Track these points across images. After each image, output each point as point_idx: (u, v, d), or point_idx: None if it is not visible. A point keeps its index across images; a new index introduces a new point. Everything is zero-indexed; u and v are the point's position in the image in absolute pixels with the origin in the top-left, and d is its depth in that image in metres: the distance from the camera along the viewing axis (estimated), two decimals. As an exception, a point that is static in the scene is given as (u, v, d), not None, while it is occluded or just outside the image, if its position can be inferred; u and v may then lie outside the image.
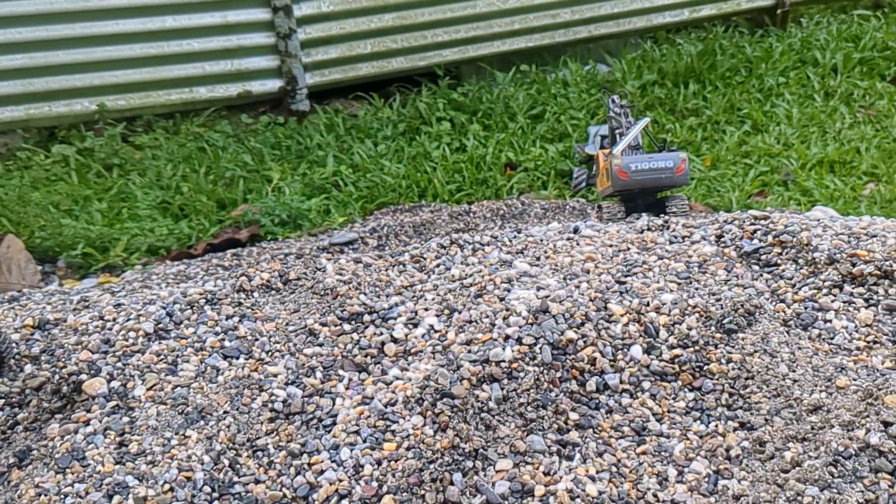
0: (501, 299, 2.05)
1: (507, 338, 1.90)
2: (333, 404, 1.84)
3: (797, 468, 1.63)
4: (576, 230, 2.40)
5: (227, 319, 2.08)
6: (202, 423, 1.81)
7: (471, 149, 4.30)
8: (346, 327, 2.04)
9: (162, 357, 1.95)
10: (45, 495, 1.66)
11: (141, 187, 4.29)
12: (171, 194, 4.26)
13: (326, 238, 3.69)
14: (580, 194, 4.02)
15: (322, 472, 1.70)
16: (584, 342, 1.91)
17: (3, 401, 1.99)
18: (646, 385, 1.90)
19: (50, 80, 4.48)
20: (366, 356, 1.97)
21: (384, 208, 4.12)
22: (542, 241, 2.37)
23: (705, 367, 1.91)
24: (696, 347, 1.93)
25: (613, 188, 2.92)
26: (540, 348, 1.88)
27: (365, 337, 2.01)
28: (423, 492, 1.67)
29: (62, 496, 1.66)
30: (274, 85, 4.68)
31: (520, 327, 1.93)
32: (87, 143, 4.57)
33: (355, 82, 4.78)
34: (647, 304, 2.01)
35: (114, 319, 2.13)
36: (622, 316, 1.98)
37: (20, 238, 3.91)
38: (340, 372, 1.93)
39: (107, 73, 4.53)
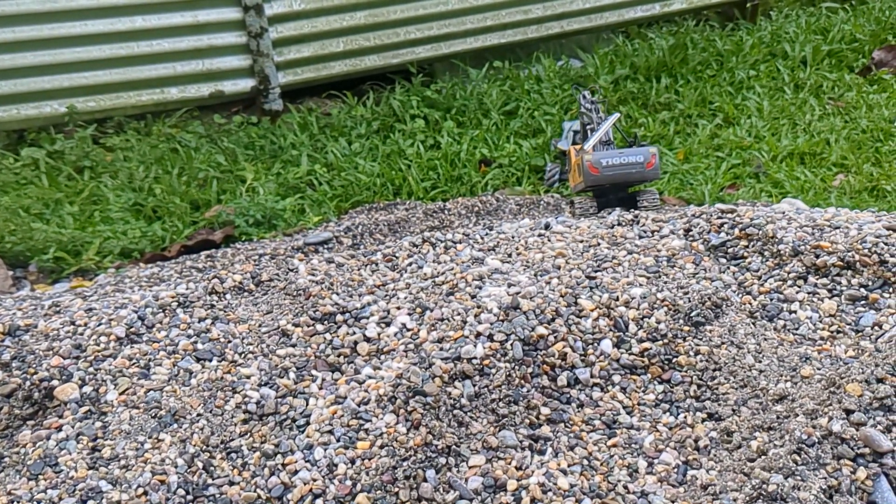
0: (473, 297, 2.07)
1: (478, 335, 1.92)
2: (307, 404, 1.85)
3: (763, 457, 1.67)
4: (547, 226, 2.42)
5: (199, 322, 2.07)
6: (175, 426, 1.81)
7: (445, 146, 4.31)
8: (319, 327, 2.05)
9: (134, 361, 1.95)
10: (18, 502, 1.66)
11: (113, 189, 4.25)
12: (143, 196, 4.22)
13: (301, 238, 3.68)
14: (554, 189, 4.05)
15: (296, 472, 1.71)
16: (555, 337, 1.93)
17: (-26, 408, 1.98)
18: (616, 378, 1.93)
19: (18, 83, 4.42)
20: (339, 356, 1.97)
21: (359, 207, 4.12)
22: (513, 237, 2.39)
23: (674, 360, 1.94)
24: (665, 340, 1.97)
25: (585, 183, 2.96)
26: (511, 344, 1.90)
27: (338, 337, 2.02)
28: (396, 489, 1.68)
29: (35, 502, 1.65)
30: (246, 84, 4.65)
31: (491, 324, 1.94)
32: (57, 145, 4.51)
33: (328, 81, 4.77)
34: (617, 299, 2.04)
35: (85, 324, 2.11)
36: (592, 311, 2.01)
37: (-9, 242, 3.86)
38: (314, 372, 1.94)
39: (76, 75, 4.48)
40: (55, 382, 1.91)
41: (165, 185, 4.23)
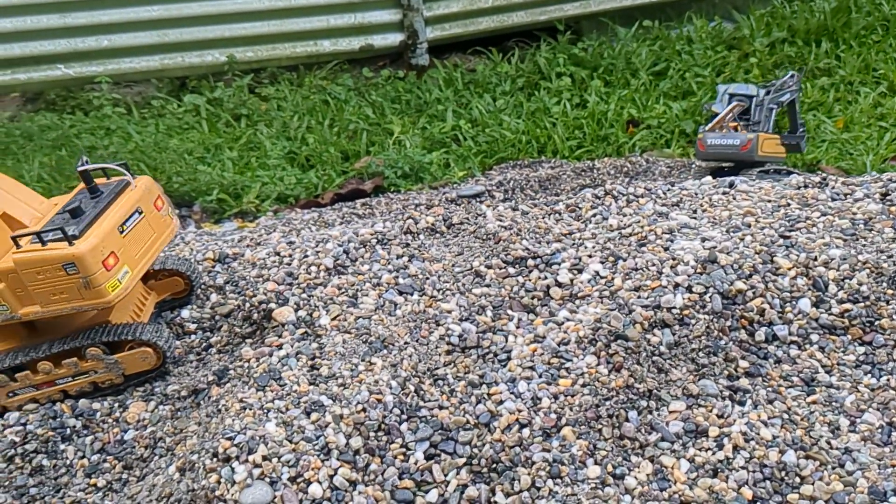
0: (665, 249, 2.09)
1: (676, 286, 1.94)
2: (506, 341, 1.94)
3: (982, 424, 1.63)
4: (731, 185, 2.40)
5: (397, 259, 2.19)
6: (385, 351, 1.93)
7: (592, 105, 4.29)
8: (511, 270, 2.12)
9: (343, 290, 2.08)
10: (250, 409, 1.82)
11: (268, 137, 4.46)
12: (297, 145, 4.42)
13: (453, 190, 3.77)
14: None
15: (501, 402, 1.79)
16: (753, 293, 1.94)
17: (196, 325, 2.17)
18: (814, 338, 1.91)
19: (183, 32, 4.67)
20: (532, 298, 2.04)
21: (503, 163, 4.17)
22: (696, 194, 2.38)
23: (876, 323, 1.91)
24: (867, 303, 1.93)
25: (696, 157, 3.40)
26: (710, 297, 1.92)
27: (530, 280, 2.09)
28: (600, 426, 1.75)
29: (265, 410, 1.81)
30: (395, 39, 4.75)
31: (688, 276, 1.96)
32: (216, 93, 4.77)
33: (474, 37, 4.80)
34: (815, 259, 2.01)
35: (290, 255, 2.27)
36: (790, 269, 1.99)
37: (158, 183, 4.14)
38: (509, 312, 2.02)
39: (236, 26, 4.69)
40: (272, 305, 2.06)
41: (318, 135, 4.41)
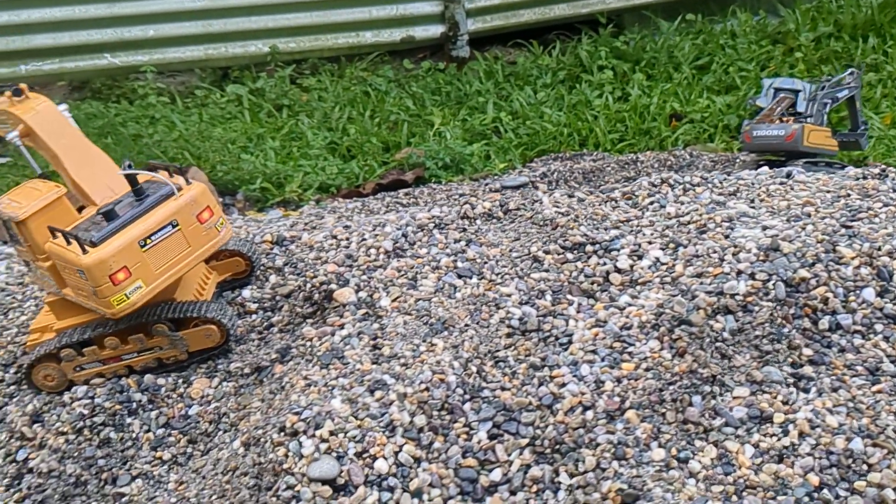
0: (726, 236, 2.09)
1: (739, 273, 1.94)
2: (567, 325, 1.94)
3: None
4: (788, 175, 2.39)
5: (454, 243, 2.20)
6: (446, 333, 1.95)
7: (634, 98, 4.27)
8: (569, 256, 2.13)
9: (402, 273, 2.10)
10: (314, 386, 1.85)
11: (310, 128, 4.49)
12: (338, 135, 4.44)
13: (496, 181, 3.78)
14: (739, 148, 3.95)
15: (564, 384, 1.80)
16: (817, 281, 1.93)
17: (257, 305, 2.21)
18: (878, 327, 1.90)
19: (227, 22, 4.72)
20: (592, 283, 2.05)
21: (544, 156, 4.17)
22: (753, 184, 2.37)
23: (942, 314, 1.89)
24: (934, 294, 1.91)
25: (743, 149, 3.43)
26: (773, 284, 1.91)
27: (589, 266, 2.09)
28: (664, 410, 1.75)
29: (329, 387, 1.84)
30: (436, 31, 4.76)
31: (751, 263, 1.96)
32: (258, 83, 4.81)
33: (515, 29, 4.80)
34: (879, 249, 2.00)
35: (347, 238, 2.29)
36: (853, 259, 1.98)
37: (202, 171, 4.19)
38: (569, 296, 2.03)
39: (279, 16, 4.73)
40: (333, 286, 2.09)
41: (359, 126, 4.43)
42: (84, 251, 1.81)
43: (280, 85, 4.80)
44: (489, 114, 4.44)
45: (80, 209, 2.01)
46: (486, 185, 3.71)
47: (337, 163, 4.26)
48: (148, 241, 1.85)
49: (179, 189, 1.91)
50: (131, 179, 1.91)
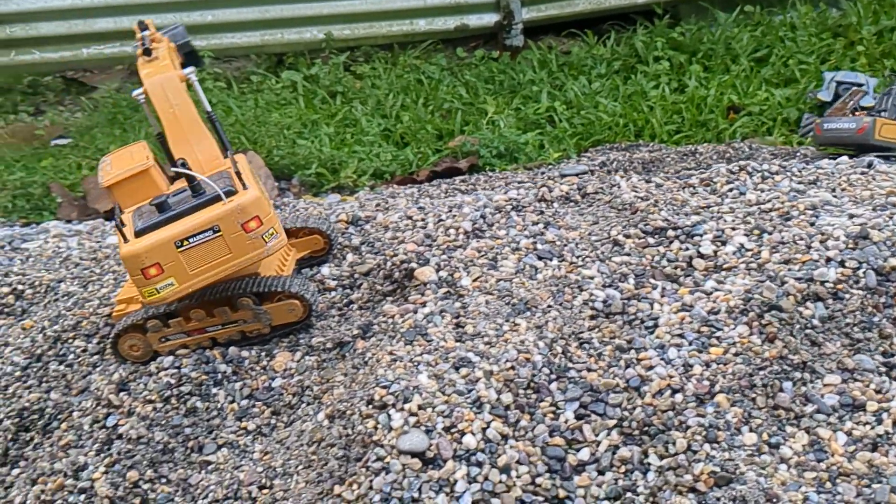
0: (811, 224, 2.06)
1: (828, 260, 1.92)
2: (651, 308, 1.94)
3: None
4: (870, 165, 2.35)
5: (533, 225, 2.21)
6: (528, 313, 1.95)
7: (691, 90, 4.23)
8: (651, 240, 2.12)
9: (482, 253, 2.11)
10: (400, 361, 1.86)
11: (364, 115, 4.52)
12: (392, 123, 4.46)
13: (553, 170, 3.77)
14: (808, 141, 3.90)
15: (651, 367, 1.80)
16: (908, 271, 1.90)
17: (336, 282, 2.23)
18: (972, 319, 1.87)
19: (284, 8, 4.76)
20: (675, 268, 2.04)
21: (598, 146, 4.15)
22: (832, 173, 2.34)
23: None
24: None
25: (813, 142, 3.47)
26: (863, 273, 1.89)
27: (671, 251, 2.08)
28: (754, 395, 1.74)
29: (415, 363, 1.85)
30: (490, 19, 4.76)
31: (840, 251, 1.94)
32: (313, 70, 4.85)
33: (570, 19, 4.79)
34: (972, 240, 1.96)
35: (423, 219, 2.31)
36: (944, 249, 1.95)
37: (259, 156, 4.24)
38: (652, 280, 2.02)
39: (335, 3, 4.76)
40: (414, 265, 2.10)
41: (412, 114, 4.45)
42: (126, 240, 1.86)
43: (334, 72, 4.83)
44: (543, 103, 4.42)
45: (172, 179, 2.04)
46: (543, 173, 3.71)
47: (391, 149, 4.27)
48: (185, 242, 1.85)
49: (228, 194, 1.88)
50: (185, 175, 1.90)
